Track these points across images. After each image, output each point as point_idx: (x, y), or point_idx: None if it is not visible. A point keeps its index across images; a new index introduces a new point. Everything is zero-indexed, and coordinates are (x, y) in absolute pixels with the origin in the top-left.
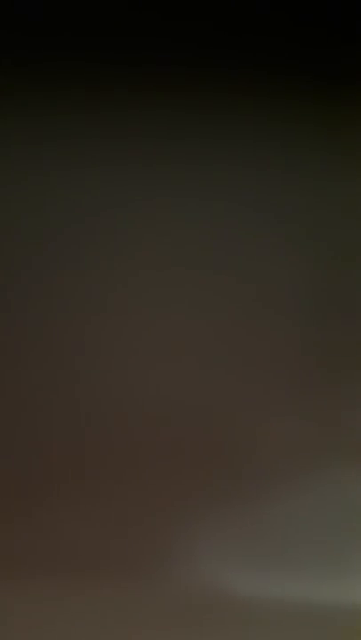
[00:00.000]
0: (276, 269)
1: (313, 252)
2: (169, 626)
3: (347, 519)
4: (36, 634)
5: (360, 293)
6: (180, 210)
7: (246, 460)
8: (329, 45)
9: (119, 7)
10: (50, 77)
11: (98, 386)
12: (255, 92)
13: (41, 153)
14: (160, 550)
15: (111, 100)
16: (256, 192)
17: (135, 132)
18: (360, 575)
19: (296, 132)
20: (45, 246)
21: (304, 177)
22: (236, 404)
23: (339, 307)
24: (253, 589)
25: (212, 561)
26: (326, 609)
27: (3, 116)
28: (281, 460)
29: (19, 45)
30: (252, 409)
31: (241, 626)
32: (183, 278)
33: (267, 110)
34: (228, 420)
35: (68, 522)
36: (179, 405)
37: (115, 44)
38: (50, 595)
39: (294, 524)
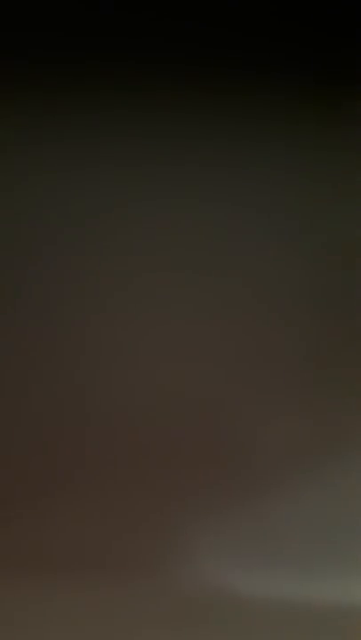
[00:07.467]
0: (278, 271)
1: (313, 253)
2: (169, 624)
3: (347, 519)
4: (36, 632)
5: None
6: (181, 211)
7: (247, 460)
8: (329, 45)
9: (119, 7)
10: (50, 77)
11: (99, 387)
12: (255, 92)
13: (41, 154)
14: (161, 549)
15: (111, 100)
16: (257, 192)
17: (135, 132)
18: (360, 575)
19: (296, 131)
20: (46, 247)
21: (304, 177)
22: (237, 404)
23: (340, 308)
24: (254, 589)
25: (213, 560)
26: (326, 609)
27: (3, 117)
28: (281, 460)
29: (18, 45)
30: (252, 409)
31: (241, 625)
32: (184, 280)
33: (267, 110)
34: (228, 420)
35: (68, 521)
36: (180, 406)
37: (115, 43)
38: (50, 593)
39: (295, 523)
